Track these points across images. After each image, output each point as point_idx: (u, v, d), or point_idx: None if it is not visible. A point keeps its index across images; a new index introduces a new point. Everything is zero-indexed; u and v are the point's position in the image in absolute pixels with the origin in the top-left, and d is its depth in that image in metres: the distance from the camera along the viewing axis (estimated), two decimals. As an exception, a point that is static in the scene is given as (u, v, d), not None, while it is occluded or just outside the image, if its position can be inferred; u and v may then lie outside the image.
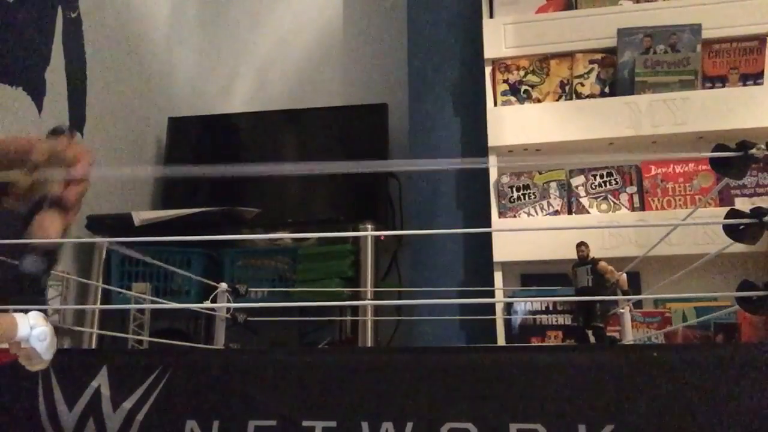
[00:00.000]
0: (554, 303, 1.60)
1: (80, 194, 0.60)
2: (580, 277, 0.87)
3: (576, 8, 1.82)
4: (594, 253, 1.59)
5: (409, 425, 0.44)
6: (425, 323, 1.70)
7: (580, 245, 0.87)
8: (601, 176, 1.71)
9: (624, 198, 1.69)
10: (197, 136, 2.35)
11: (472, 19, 1.89)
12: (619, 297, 0.91)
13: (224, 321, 1.05)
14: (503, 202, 1.73)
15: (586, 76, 1.77)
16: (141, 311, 1.70)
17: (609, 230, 1.57)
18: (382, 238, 1.92)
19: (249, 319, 1.09)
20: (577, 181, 1.72)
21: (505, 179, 1.74)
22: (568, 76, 1.78)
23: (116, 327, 1.76)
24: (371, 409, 0.44)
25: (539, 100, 1.79)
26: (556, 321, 1.61)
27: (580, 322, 0.88)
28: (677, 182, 1.67)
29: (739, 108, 1.62)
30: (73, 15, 1.84)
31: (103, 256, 1.87)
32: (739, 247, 0.47)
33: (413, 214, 1.88)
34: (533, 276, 1.70)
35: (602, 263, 0.87)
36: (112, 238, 1.79)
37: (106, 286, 1.79)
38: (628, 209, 1.68)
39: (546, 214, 1.71)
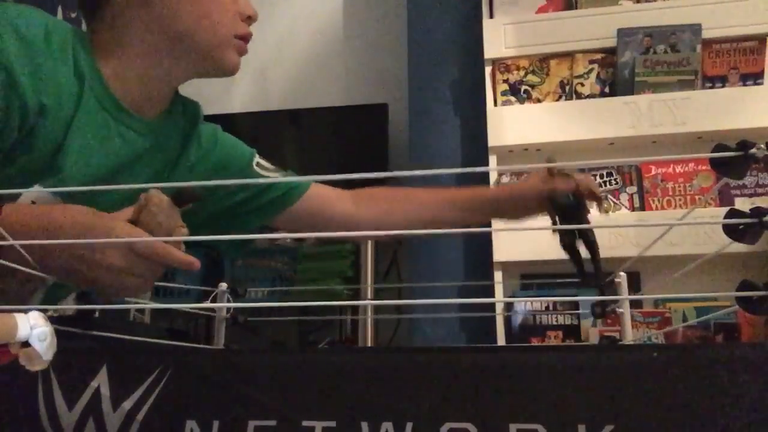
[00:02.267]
0: (554, 303, 1.60)
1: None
2: (561, 198, 0.85)
3: (576, 8, 1.82)
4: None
5: (409, 425, 0.44)
6: (425, 323, 1.70)
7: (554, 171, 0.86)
8: (601, 176, 1.71)
9: (624, 198, 1.69)
10: (197, 136, 2.35)
11: (472, 19, 1.89)
12: (619, 297, 0.90)
13: (224, 321, 1.05)
14: (503, 202, 1.73)
15: (586, 76, 1.77)
16: (141, 311, 1.70)
17: (609, 230, 1.57)
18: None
19: (249, 319, 1.09)
20: (577, 181, 1.72)
21: (505, 179, 1.74)
22: (568, 76, 1.78)
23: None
24: (371, 409, 0.44)
25: (539, 100, 1.79)
26: (556, 321, 1.61)
27: (567, 239, 0.86)
28: (677, 182, 1.67)
29: (739, 108, 1.62)
30: (73, 15, 1.85)
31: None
32: (739, 247, 0.48)
33: (413, 214, 1.88)
34: (533, 276, 1.70)
35: (581, 180, 0.86)
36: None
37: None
38: (628, 209, 1.68)
39: (546, 214, 1.71)
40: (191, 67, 0.79)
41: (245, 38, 0.81)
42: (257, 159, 0.93)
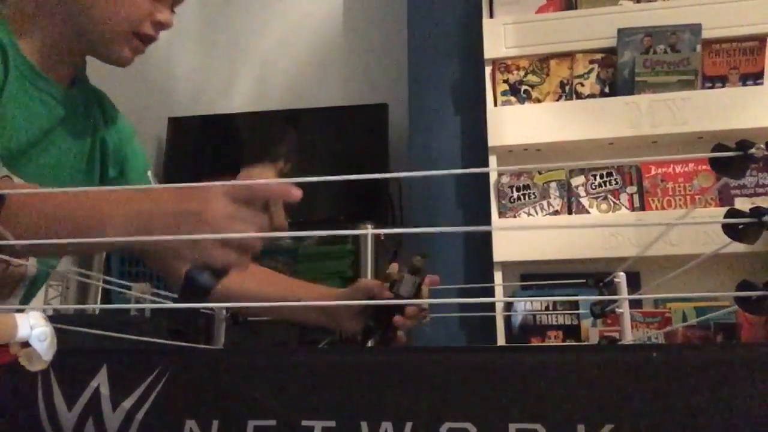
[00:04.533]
0: (554, 303, 1.60)
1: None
2: (405, 284, 0.87)
3: (576, 8, 1.82)
4: (594, 253, 1.59)
5: (409, 425, 0.44)
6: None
7: (417, 257, 0.89)
8: (601, 176, 1.71)
9: (624, 198, 1.69)
10: (197, 136, 2.35)
11: (472, 19, 1.89)
12: (619, 297, 0.91)
13: (224, 321, 1.05)
14: (503, 202, 1.73)
15: (586, 76, 1.77)
16: (141, 311, 1.70)
17: (609, 230, 1.57)
18: (381, 237, 1.92)
19: (249, 319, 1.09)
20: (577, 181, 1.72)
21: (505, 179, 1.74)
22: (568, 76, 1.78)
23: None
24: (371, 409, 0.45)
25: (539, 100, 1.79)
26: (556, 321, 1.61)
27: (372, 324, 0.89)
28: (677, 182, 1.67)
29: (739, 108, 1.62)
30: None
31: (103, 255, 1.87)
32: (739, 247, 0.48)
33: (413, 214, 1.88)
34: (533, 276, 1.71)
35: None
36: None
37: (107, 285, 1.79)
38: (628, 209, 1.68)
39: (546, 214, 1.71)
40: (86, 51, 0.86)
41: (144, 39, 0.84)
42: (150, 169, 1.02)
